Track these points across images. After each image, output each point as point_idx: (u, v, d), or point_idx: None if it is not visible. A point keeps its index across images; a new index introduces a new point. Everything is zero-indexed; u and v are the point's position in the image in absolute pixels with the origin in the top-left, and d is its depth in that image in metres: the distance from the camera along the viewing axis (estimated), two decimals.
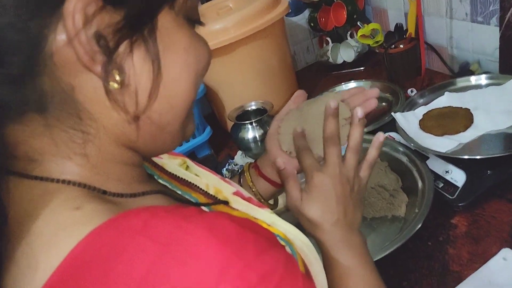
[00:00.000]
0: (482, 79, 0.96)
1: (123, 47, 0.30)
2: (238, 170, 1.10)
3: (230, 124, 1.14)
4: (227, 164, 1.16)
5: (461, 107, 0.89)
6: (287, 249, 0.37)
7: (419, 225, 0.68)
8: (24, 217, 0.31)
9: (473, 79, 0.97)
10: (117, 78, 0.30)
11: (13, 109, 0.30)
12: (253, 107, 1.12)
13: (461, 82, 0.98)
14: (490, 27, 0.97)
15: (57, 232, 0.29)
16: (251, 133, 1.08)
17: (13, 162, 0.32)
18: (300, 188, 0.54)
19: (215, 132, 1.22)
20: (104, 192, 0.33)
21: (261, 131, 1.08)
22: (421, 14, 1.03)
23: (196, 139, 1.17)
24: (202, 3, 1.41)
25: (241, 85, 1.17)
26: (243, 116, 1.12)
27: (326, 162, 0.52)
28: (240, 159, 1.16)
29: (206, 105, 1.34)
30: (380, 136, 0.56)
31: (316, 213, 0.51)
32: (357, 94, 0.59)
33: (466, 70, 1.09)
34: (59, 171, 0.32)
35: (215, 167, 1.15)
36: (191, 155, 1.20)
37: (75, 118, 0.31)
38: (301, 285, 0.30)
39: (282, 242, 0.38)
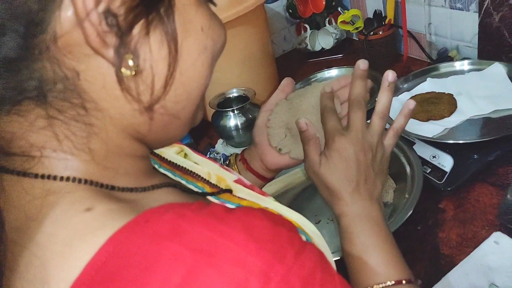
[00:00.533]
0: (464, 65, 0.97)
1: (138, 28, 0.27)
2: (220, 159, 1.08)
3: (211, 112, 1.12)
4: (208, 153, 1.13)
5: (445, 93, 0.91)
6: (303, 238, 0.36)
7: (411, 211, 0.69)
8: (26, 222, 0.27)
9: (454, 65, 0.98)
10: (131, 63, 0.27)
11: (6, 99, 0.26)
12: (235, 94, 1.10)
13: (442, 68, 1.00)
14: (469, 14, 0.98)
15: (70, 240, 0.25)
16: (232, 120, 1.06)
17: (7, 159, 0.28)
18: (320, 152, 0.51)
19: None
20: (113, 187, 0.30)
21: (243, 118, 1.06)
22: (404, 2, 1.04)
23: None
24: None
25: (222, 72, 1.13)
26: (225, 103, 1.10)
27: (350, 126, 0.50)
28: (222, 147, 1.14)
29: None
30: (411, 104, 0.54)
31: (335, 179, 0.49)
32: (347, 87, 0.58)
33: (444, 56, 1.10)
34: (62, 167, 0.29)
35: None
36: None
37: (78, 109, 0.28)
38: (337, 281, 0.28)
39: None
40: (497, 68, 0.90)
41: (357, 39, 1.22)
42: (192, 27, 0.30)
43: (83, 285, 0.23)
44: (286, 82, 0.60)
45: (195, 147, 1.20)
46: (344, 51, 1.40)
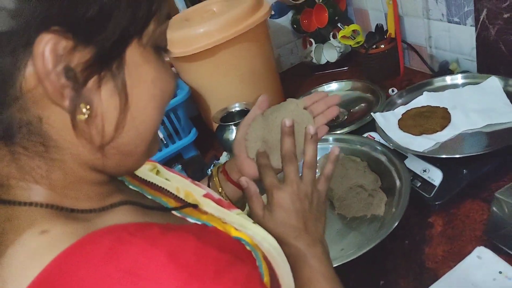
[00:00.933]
0: (460, 79, 0.98)
1: (91, 82, 0.31)
2: None
3: (215, 125, 1.15)
4: (212, 165, 1.17)
5: (439, 107, 0.91)
6: (253, 254, 0.39)
7: (396, 224, 0.70)
8: None
9: (451, 79, 0.99)
10: (84, 111, 0.31)
11: None
12: (237, 109, 1.14)
13: (439, 81, 1.00)
14: (466, 27, 0.99)
15: (25, 261, 0.30)
16: (234, 134, 1.09)
17: None
18: (262, 206, 0.56)
19: (201, 134, 1.24)
20: (72, 210, 0.34)
21: None
22: (398, 15, 1.05)
23: (183, 141, 1.18)
24: (187, 7, 1.42)
25: (225, 87, 1.18)
26: (228, 117, 1.13)
27: (285, 179, 0.55)
28: (226, 159, 1.17)
29: (193, 107, 1.35)
30: (336, 150, 0.59)
31: (279, 230, 0.53)
32: (319, 102, 0.61)
33: (445, 69, 1.11)
34: (26, 195, 0.33)
35: (202, 167, 1.16)
36: (178, 156, 1.21)
37: (41, 147, 0.32)
38: None
39: (248, 248, 0.39)
40: (493, 82, 0.90)
41: (360, 52, 1.24)
42: (142, 80, 0.34)
43: None
44: (262, 99, 0.64)
45: (201, 159, 1.24)
46: (349, 64, 1.41)
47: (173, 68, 1.27)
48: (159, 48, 0.36)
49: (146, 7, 0.33)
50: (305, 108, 0.60)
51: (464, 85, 0.96)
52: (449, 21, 1.04)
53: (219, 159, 1.20)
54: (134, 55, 0.33)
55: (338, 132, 1.03)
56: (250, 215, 0.56)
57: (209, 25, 1.07)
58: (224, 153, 1.19)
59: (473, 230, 0.71)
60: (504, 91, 0.88)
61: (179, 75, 1.25)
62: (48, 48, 0.29)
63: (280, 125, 0.57)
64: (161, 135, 1.18)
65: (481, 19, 0.93)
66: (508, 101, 0.85)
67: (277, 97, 1.26)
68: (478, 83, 0.93)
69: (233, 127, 1.10)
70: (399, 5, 1.17)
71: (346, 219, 0.83)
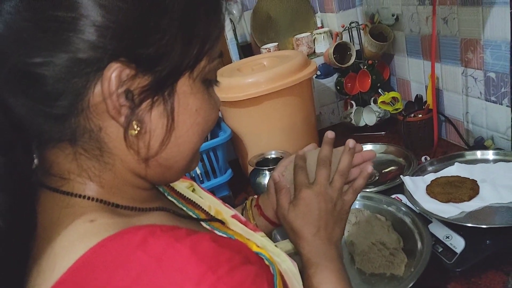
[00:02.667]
0: (491, 154, 1.00)
1: (145, 105, 0.38)
2: None
3: (250, 169, 1.22)
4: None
5: (469, 178, 0.94)
6: (271, 269, 0.43)
7: (412, 283, 0.71)
8: (50, 224, 0.38)
9: (483, 154, 1.02)
10: (136, 127, 0.38)
11: (52, 138, 0.39)
12: (273, 156, 1.20)
13: (471, 155, 1.03)
14: (503, 107, 1.03)
15: (74, 241, 0.36)
16: (267, 179, 1.15)
17: (47, 178, 0.41)
18: (289, 200, 0.61)
19: (236, 176, 1.30)
20: (117, 205, 0.40)
21: None
22: (435, 89, 1.11)
23: (217, 179, 1.25)
24: (240, 58, 1.55)
25: (265, 135, 1.25)
26: (263, 163, 1.20)
27: (315, 181, 0.60)
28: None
29: (232, 151, 1.43)
30: (369, 168, 0.63)
31: (300, 223, 0.58)
32: (357, 155, 0.65)
33: (480, 145, 1.13)
34: (82, 189, 0.40)
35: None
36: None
37: (97, 151, 0.39)
38: None
39: (267, 262, 0.44)
40: None
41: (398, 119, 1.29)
42: (189, 108, 0.41)
43: (74, 270, 0.34)
44: (309, 147, 0.69)
45: (232, 199, 1.30)
46: (387, 129, 1.46)
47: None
48: (208, 81, 0.43)
49: (199, 48, 0.39)
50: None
51: (495, 161, 0.98)
52: (487, 100, 1.08)
53: None
54: (184, 85, 0.40)
55: (368, 190, 1.06)
56: (276, 208, 0.62)
57: (258, 76, 1.17)
58: (255, 197, 1.24)
59: None
60: None
61: (223, 118, 1.34)
62: (114, 74, 0.35)
63: (313, 167, 0.62)
64: (198, 171, 1.25)
65: None
66: None
67: None
68: (510, 161, 0.95)
69: (267, 172, 1.16)
70: (441, 80, 1.24)
71: (365, 275, 0.84)
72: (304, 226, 0.57)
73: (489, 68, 1.03)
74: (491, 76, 1.04)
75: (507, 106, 1.01)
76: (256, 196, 0.72)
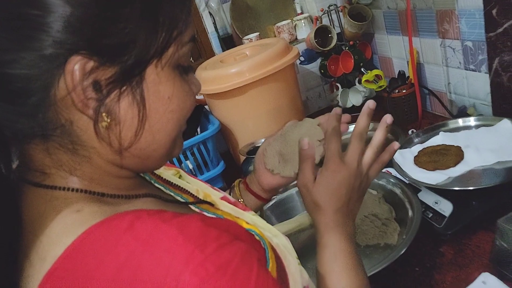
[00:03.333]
0: (473, 121, 1.03)
1: (113, 95, 0.38)
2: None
3: (242, 159, 1.23)
4: None
5: (453, 145, 0.96)
6: (261, 243, 0.45)
7: (404, 249, 0.74)
8: (37, 218, 0.39)
9: (465, 121, 1.04)
10: (106, 119, 0.39)
11: (26, 135, 0.39)
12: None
13: (455, 123, 1.05)
14: (481, 74, 1.05)
15: (62, 231, 0.37)
16: None
17: (29, 173, 0.41)
18: (314, 171, 0.58)
19: (229, 167, 1.32)
20: (103, 194, 0.41)
21: None
22: (415, 63, 1.13)
23: (210, 172, 1.26)
24: (223, 50, 1.56)
25: (253, 123, 1.27)
26: (254, 151, 1.21)
27: (348, 154, 0.57)
28: None
29: (223, 143, 1.44)
30: (395, 145, 0.61)
31: (324, 197, 0.56)
32: (331, 119, 0.65)
33: (464, 113, 1.16)
34: (64, 182, 0.41)
35: None
36: None
37: (71, 145, 0.40)
38: (255, 273, 0.36)
39: (257, 237, 0.45)
40: (506, 124, 0.95)
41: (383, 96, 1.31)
42: (160, 96, 0.40)
43: (65, 258, 0.35)
44: (291, 123, 0.69)
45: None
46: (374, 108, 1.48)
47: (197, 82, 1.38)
48: (182, 67, 0.43)
49: (166, 35, 0.39)
50: (319, 126, 0.67)
51: (478, 127, 1.01)
52: (466, 68, 1.10)
53: None
54: (153, 73, 0.39)
55: None
56: (298, 177, 0.59)
57: (241, 65, 1.18)
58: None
59: (482, 259, 0.74)
60: None
61: (211, 110, 1.35)
62: (76, 67, 0.35)
63: (295, 139, 0.63)
64: (190, 166, 1.27)
65: (494, 67, 0.99)
66: None
67: None
68: (491, 125, 0.98)
69: None
70: (421, 54, 1.26)
71: (360, 247, 0.86)
72: (329, 201, 0.56)
73: (466, 37, 1.05)
74: (468, 45, 1.06)
75: (485, 72, 1.03)
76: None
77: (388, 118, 0.60)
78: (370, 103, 0.60)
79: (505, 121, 0.95)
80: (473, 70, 1.08)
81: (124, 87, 0.38)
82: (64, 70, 0.36)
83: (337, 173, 0.56)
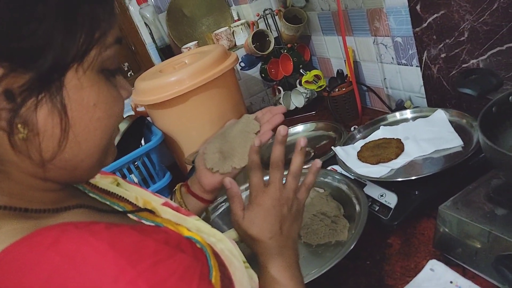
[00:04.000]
0: (410, 113, 1.06)
1: (29, 104, 0.34)
2: None
3: (188, 168, 1.20)
4: None
5: (394, 138, 0.99)
6: (203, 250, 0.43)
7: (354, 244, 0.74)
8: None
9: (403, 114, 1.07)
10: (22, 130, 0.35)
11: None
12: None
13: (393, 117, 1.08)
14: (413, 68, 1.09)
15: None
16: None
17: None
18: (243, 207, 0.59)
19: (176, 179, 1.27)
20: (26, 210, 0.37)
21: None
22: (351, 62, 1.16)
23: (156, 184, 1.22)
24: (162, 60, 1.52)
25: (197, 131, 1.24)
26: None
27: (269, 184, 0.59)
28: None
29: (169, 155, 1.40)
30: (317, 162, 0.63)
31: (255, 230, 0.57)
32: (266, 112, 0.69)
33: (401, 107, 1.20)
34: None
35: None
36: None
37: None
38: None
39: (198, 245, 0.43)
40: (440, 114, 0.99)
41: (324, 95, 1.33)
42: (84, 103, 0.37)
43: None
44: (230, 122, 0.73)
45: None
46: (316, 108, 1.50)
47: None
48: (108, 71, 0.39)
49: (86, 37, 0.36)
50: (256, 120, 0.68)
51: (414, 118, 1.04)
52: (399, 63, 1.14)
53: None
54: (74, 79, 0.36)
55: (305, 167, 1.08)
56: (231, 216, 0.60)
57: (180, 74, 1.15)
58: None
59: (428, 246, 0.75)
60: (450, 121, 0.96)
61: (153, 121, 1.31)
62: None
63: (235, 134, 0.63)
64: (135, 179, 1.22)
65: (424, 60, 1.04)
66: (452, 129, 0.93)
67: None
68: (427, 116, 1.02)
69: None
70: (356, 52, 1.29)
71: (311, 247, 0.86)
72: (260, 232, 0.56)
73: (395, 34, 1.09)
74: (398, 40, 1.10)
75: (416, 66, 1.08)
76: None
77: (301, 141, 0.61)
78: (282, 130, 0.59)
79: (439, 111, 0.99)
80: (405, 65, 1.12)
81: (42, 95, 0.35)
82: None
83: (261, 205, 0.57)
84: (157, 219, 0.48)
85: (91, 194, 0.49)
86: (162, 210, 0.50)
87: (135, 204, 0.51)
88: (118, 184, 0.55)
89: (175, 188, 0.70)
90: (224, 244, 0.48)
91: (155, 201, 0.52)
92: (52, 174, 0.39)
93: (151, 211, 0.49)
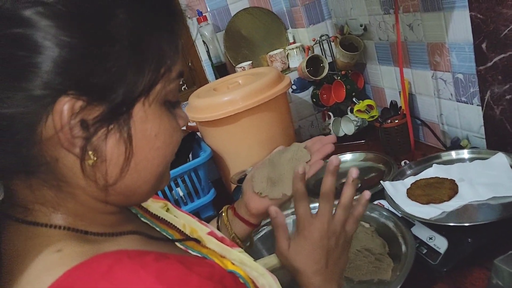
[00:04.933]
0: (467, 154, 1.02)
1: (100, 133, 0.37)
2: None
3: (233, 187, 1.21)
4: None
5: (447, 178, 0.95)
6: (246, 286, 0.43)
7: (399, 286, 0.71)
8: (17, 256, 0.37)
9: (459, 153, 1.03)
10: (92, 157, 0.38)
11: (9, 171, 0.38)
12: None
13: (448, 155, 1.05)
14: (473, 107, 1.05)
15: (40, 272, 0.35)
16: None
17: (13, 209, 0.40)
18: (288, 237, 0.59)
19: (220, 195, 1.29)
20: (86, 232, 0.40)
21: None
22: (406, 94, 1.13)
23: (200, 200, 1.24)
24: (216, 78, 1.56)
25: (245, 152, 1.25)
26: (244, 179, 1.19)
27: (318, 216, 0.57)
28: None
29: (215, 170, 1.42)
30: (367, 194, 0.61)
31: (301, 262, 0.56)
32: (316, 142, 0.69)
33: (457, 145, 1.15)
34: (47, 218, 0.39)
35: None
36: (195, 214, 1.26)
37: (56, 182, 0.39)
38: None
39: (241, 280, 0.44)
40: (500, 158, 0.94)
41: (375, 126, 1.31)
42: (147, 134, 0.40)
43: None
44: (278, 148, 0.73)
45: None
46: (366, 137, 1.48)
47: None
48: (169, 103, 0.42)
49: (154, 72, 0.39)
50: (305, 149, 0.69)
51: (471, 160, 1.00)
52: (458, 100, 1.10)
53: None
54: (140, 111, 0.39)
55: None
56: (276, 246, 0.60)
57: (234, 94, 1.18)
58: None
59: None
60: (511, 166, 0.91)
61: (203, 138, 1.34)
62: (66, 107, 0.35)
63: (283, 162, 0.64)
64: (181, 193, 1.24)
65: (486, 99, 1.00)
66: None
67: None
68: (486, 159, 0.97)
69: None
70: (413, 85, 1.26)
71: (353, 282, 0.84)
72: (306, 264, 0.56)
73: (457, 70, 1.06)
74: (459, 77, 1.06)
75: (477, 105, 1.04)
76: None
77: (353, 172, 0.58)
78: (334, 161, 0.57)
79: (500, 155, 0.94)
80: (465, 102, 1.08)
81: (112, 125, 0.38)
82: (52, 110, 0.35)
83: (308, 238, 0.57)
84: (203, 249, 0.49)
85: (142, 219, 0.51)
86: (207, 240, 0.51)
87: (183, 232, 0.52)
88: (167, 210, 0.56)
89: (222, 210, 0.71)
90: (266, 279, 0.48)
91: (201, 230, 0.53)
92: (112, 198, 0.42)
93: (197, 241, 0.50)
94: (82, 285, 0.33)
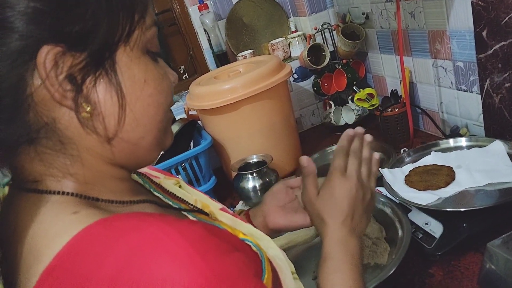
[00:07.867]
0: (465, 141, 1.03)
1: (88, 82, 0.38)
2: None
3: (234, 175, 1.23)
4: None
5: (445, 165, 0.96)
6: (258, 254, 0.44)
7: (393, 269, 0.72)
8: (31, 222, 0.38)
9: (457, 141, 1.04)
10: (87, 108, 0.38)
11: (11, 144, 0.38)
12: (255, 160, 1.21)
13: (446, 143, 1.05)
14: (473, 95, 1.05)
15: (59, 230, 0.36)
16: (251, 183, 1.16)
17: (23, 183, 0.40)
18: (317, 186, 0.61)
19: (221, 183, 1.31)
20: (97, 199, 0.40)
21: (260, 181, 1.16)
22: (406, 82, 1.13)
23: (201, 187, 1.25)
24: (217, 67, 1.57)
25: (245, 140, 1.26)
26: (245, 167, 1.20)
27: (349, 168, 0.60)
28: (241, 208, 1.22)
29: (216, 159, 1.43)
30: (376, 154, 0.65)
31: (327, 210, 0.58)
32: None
33: (456, 133, 1.16)
34: (59, 186, 0.40)
35: None
36: None
37: (59, 144, 0.39)
38: (252, 286, 0.36)
39: (254, 248, 0.45)
40: (498, 146, 0.95)
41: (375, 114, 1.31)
42: (136, 79, 0.41)
43: (61, 256, 0.34)
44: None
45: None
46: (367, 126, 1.48)
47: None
48: (151, 53, 0.43)
49: (127, 18, 0.39)
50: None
51: (469, 147, 1.00)
52: (458, 89, 1.11)
53: (234, 207, 1.25)
54: (123, 56, 0.40)
55: None
56: (302, 193, 0.62)
57: (234, 82, 1.18)
58: (240, 202, 1.25)
59: (471, 281, 0.73)
60: (508, 154, 0.92)
61: (203, 126, 1.35)
62: (48, 56, 0.35)
63: None
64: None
65: (485, 88, 1.00)
66: (510, 163, 0.89)
67: (295, 152, 1.33)
68: (484, 146, 0.98)
69: (249, 176, 1.17)
70: (413, 73, 1.26)
71: None
72: (332, 214, 0.57)
73: (457, 58, 1.06)
74: (460, 65, 1.06)
75: (477, 93, 1.04)
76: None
77: (368, 137, 0.64)
78: (359, 129, 0.64)
79: (497, 143, 0.95)
80: (464, 91, 1.08)
81: (98, 72, 0.38)
82: (35, 64, 0.36)
83: (338, 186, 0.58)
84: (215, 221, 0.50)
85: (155, 193, 0.52)
86: (219, 214, 0.52)
87: (195, 206, 0.53)
88: (180, 186, 0.58)
89: (235, 211, 0.72)
90: (274, 252, 0.49)
91: (213, 206, 0.54)
92: (118, 153, 0.42)
93: (206, 214, 0.51)
94: (105, 239, 0.34)
